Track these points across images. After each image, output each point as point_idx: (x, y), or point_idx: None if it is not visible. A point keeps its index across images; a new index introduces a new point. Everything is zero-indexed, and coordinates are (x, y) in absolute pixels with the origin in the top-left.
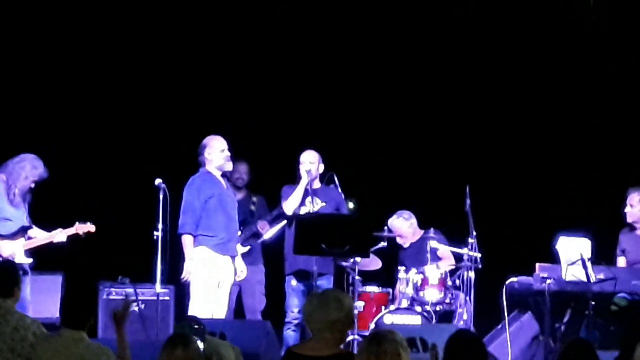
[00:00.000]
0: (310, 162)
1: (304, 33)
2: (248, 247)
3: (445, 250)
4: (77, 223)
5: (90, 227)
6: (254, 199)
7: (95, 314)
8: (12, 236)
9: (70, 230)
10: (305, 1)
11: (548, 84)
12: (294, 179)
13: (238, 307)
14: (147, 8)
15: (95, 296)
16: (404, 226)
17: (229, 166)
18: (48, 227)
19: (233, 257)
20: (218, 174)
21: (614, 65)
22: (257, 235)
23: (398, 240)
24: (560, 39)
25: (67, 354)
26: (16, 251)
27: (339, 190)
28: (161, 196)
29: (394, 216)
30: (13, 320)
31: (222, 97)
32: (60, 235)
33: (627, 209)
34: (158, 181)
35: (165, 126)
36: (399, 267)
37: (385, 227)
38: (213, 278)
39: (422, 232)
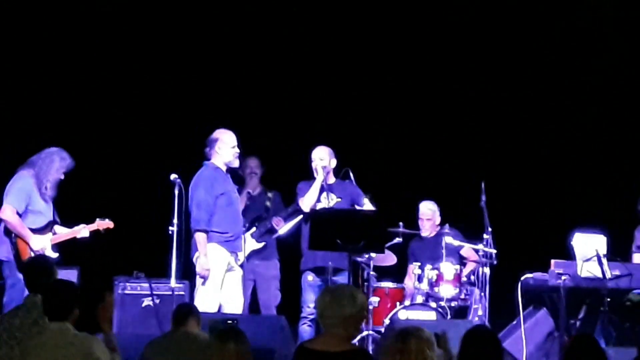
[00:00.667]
0: (320, 159)
1: (317, 25)
2: (263, 243)
3: (467, 249)
4: (97, 219)
5: (109, 224)
6: (270, 194)
7: (78, 306)
8: (42, 230)
9: (92, 226)
10: None
11: (564, 81)
12: (308, 174)
13: (253, 303)
14: (161, 2)
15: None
16: (432, 210)
17: (236, 163)
18: (65, 223)
19: (237, 254)
20: (224, 169)
21: (631, 61)
22: (272, 231)
23: (421, 225)
24: (578, 36)
25: (53, 345)
26: (46, 245)
27: (354, 184)
28: (176, 192)
29: (424, 201)
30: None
31: (236, 92)
32: (83, 231)
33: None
34: (173, 176)
35: (180, 121)
36: (413, 263)
37: (400, 223)
38: (221, 273)
39: (438, 227)
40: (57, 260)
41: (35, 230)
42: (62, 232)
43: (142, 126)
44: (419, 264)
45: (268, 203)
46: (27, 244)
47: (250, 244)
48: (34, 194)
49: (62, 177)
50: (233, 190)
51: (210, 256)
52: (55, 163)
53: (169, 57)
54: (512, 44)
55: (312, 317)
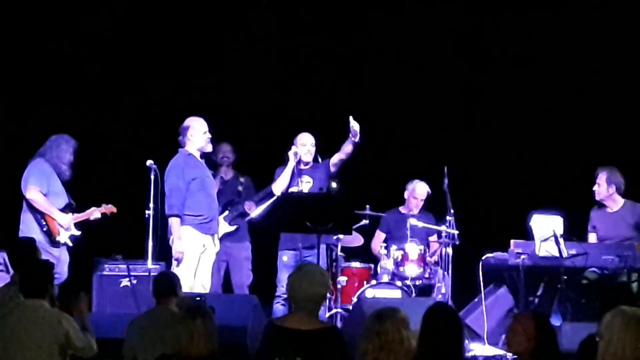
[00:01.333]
0: (301, 144)
1: (288, 19)
2: (236, 226)
3: (431, 236)
4: (103, 204)
5: (113, 209)
6: (242, 179)
7: (52, 284)
8: (62, 211)
9: (102, 209)
10: None
11: (521, 67)
12: (280, 160)
13: (226, 283)
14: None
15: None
16: (428, 191)
17: (209, 147)
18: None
19: (213, 235)
20: (198, 155)
21: (580, 50)
22: (244, 214)
23: (414, 204)
24: (530, 31)
25: (27, 320)
26: (70, 223)
27: (324, 168)
28: (152, 177)
29: (421, 182)
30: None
31: (210, 80)
32: (96, 213)
33: (596, 188)
34: (149, 162)
35: (155, 109)
36: (382, 243)
37: (367, 206)
38: (195, 256)
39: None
40: (79, 237)
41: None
42: (78, 214)
43: (121, 113)
44: (385, 244)
45: (240, 188)
46: (55, 220)
47: (223, 227)
48: (52, 177)
49: (72, 158)
50: (207, 175)
51: (184, 239)
52: (63, 146)
53: (144, 45)
54: (469, 32)
55: (285, 296)
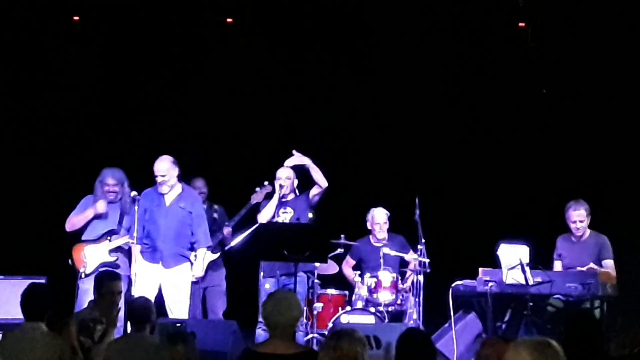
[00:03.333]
0: (286, 178)
1: (261, 50)
2: (218, 254)
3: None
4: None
5: None
6: (215, 207)
7: (51, 307)
8: (98, 240)
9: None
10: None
11: (488, 100)
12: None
13: (202, 309)
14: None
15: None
16: (387, 214)
17: (162, 189)
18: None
19: (165, 267)
20: (165, 190)
21: (552, 76)
22: (223, 242)
23: (378, 228)
24: (500, 62)
25: (28, 340)
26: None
27: (303, 200)
28: (136, 208)
29: (378, 208)
30: None
31: (185, 117)
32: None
33: (580, 225)
34: (133, 194)
35: (136, 145)
36: (355, 271)
37: (342, 235)
38: (147, 282)
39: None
40: (114, 263)
41: (90, 241)
42: (118, 240)
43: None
44: (359, 272)
45: (215, 215)
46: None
47: (208, 256)
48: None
49: (111, 189)
50: (162, 207)
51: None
52: (97, 185)
53: (122, 77)
54: (441, 66)
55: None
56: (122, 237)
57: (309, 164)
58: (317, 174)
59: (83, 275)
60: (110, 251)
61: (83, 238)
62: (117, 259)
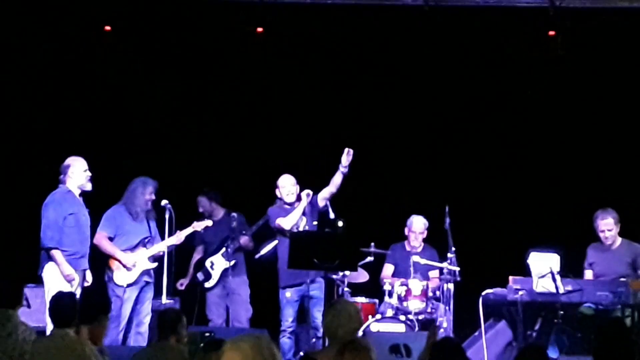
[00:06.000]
0: (291, 185)
1: (274, 55)
2: (234, 261)
3: (432, 271)
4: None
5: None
6: (234, 215)
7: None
8: (133, 248)
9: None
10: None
11: (519, 109)
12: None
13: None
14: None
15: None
16: (425, 224)
17: (89, 186)
18: None
19: (84, 271)
20: (77, 193)
21: (584, 90)
22: (241, 249)
23: (414, 237)
24: (530, 71)
25: (56, 347)
26: (137, 260)
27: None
28: (167, 216)
29: (417, 216)
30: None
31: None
32: (171, 240)
33: (608, 234)
34: (164, 202)
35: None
36: (386, 279)
37: (372, 243)
38: (64, 288)
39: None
40: (154, 269)
41: (127, 249)
42: (156, 246)
43: (137, 156)
44: (389, 280)
45: (234, 223)
46: (119, 261)
47: (222, 263)
48: (121, 219)
49: (151, 197)
50: (84, 214)
51: (55, 273)
52: (138, 190)
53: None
54: (471, 75)
55: (290, 330)
56: (157, 244)
57: (347, 168)
58: (341, 178)
59: (126, 285)
60: (149, 258)
61: (120, 248)
62: (157, 265)
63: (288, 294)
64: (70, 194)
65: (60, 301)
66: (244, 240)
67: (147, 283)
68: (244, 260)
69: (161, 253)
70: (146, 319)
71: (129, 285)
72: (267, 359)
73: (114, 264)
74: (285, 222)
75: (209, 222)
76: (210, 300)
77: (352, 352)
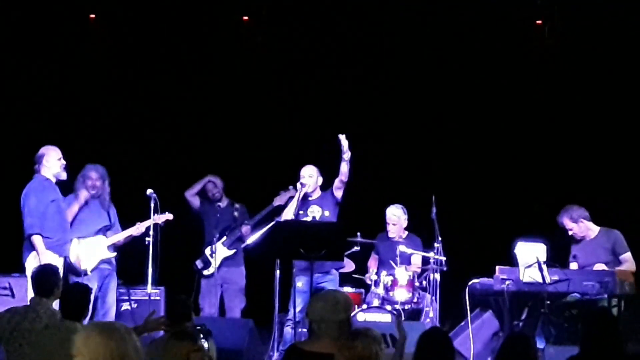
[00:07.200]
0: (309, 176)
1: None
2: (234, 250)
3: (416, 257)
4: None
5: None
6: (237, 205)
7: (88, 308)
8: (93, 236)
9: (144, 224)
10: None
11: (505, 98)
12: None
13: (220, 307)
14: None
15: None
16: (397, 215)
17: (64, 175)
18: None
19: (66, 258)
20: (54, 181)
21: (572, 79)
22: (241, 239)
23: (388, 228)
24: (517, 60)
25: (65, 339)
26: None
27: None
28: (152, 205)
29: (390, 206)
30: (45, 317)
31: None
32: (140, 228)
33: (571, 232)
34: (149, 191)
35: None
36: (372, 268)
37: (358, 233)
38: None
39: (405, 232)
40: (116, 258)
41: (85, 237)
42: (116, 235)
43: (122, 145)
44: (375, 270)
45: (236, 213)
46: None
47: (222, 252)
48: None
49: (92, 182)
50: (61, 200)
51: (36, 260)
52: (79, 179)
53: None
54: (458, 64)
55: (296, 319)
56: (117, 233)
57: (348, 153)
58: (347, 165)
59: (89, 273)
60: (108, 247)
61: (77, 236)
62: (116, 255)
63: (299, 283)
64: (49, 182)
65: (45, 272)
66: (245, 229)
67: (110, 272)
68: (242, 251)
69: (120, 242)
70: (112, 309)
71: (85, 274)
72: (119, 348)
73: (73, 251)
74: (284, 214)
75: (169, 216)
76: (205, 289)
77: (364, 339)
